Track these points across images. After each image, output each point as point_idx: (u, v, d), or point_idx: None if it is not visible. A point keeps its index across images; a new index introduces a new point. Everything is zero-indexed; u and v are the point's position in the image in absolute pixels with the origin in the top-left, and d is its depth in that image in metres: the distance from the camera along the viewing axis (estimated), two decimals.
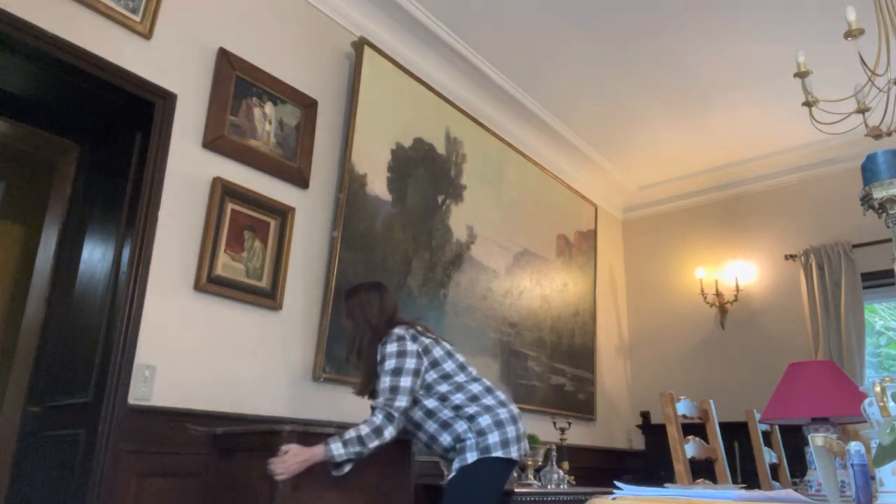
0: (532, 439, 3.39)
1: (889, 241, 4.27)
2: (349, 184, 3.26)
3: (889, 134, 2.68)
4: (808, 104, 2.70)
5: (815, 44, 3.66)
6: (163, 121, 2.61)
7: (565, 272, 5.02)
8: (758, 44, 3.94)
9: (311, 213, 3.15)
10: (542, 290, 4.72)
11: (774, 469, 3.02)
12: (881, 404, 1.24)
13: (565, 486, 3.57)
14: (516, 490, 3.03)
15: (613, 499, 1.47)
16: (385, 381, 2.27)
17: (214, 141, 2.77)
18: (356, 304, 2.52)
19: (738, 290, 5.22)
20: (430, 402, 2.36)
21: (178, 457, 2.43)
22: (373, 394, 2.42)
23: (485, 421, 2.30)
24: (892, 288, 4.65)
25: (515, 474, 3.46)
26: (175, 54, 2.72)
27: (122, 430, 2.30)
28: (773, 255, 5.22)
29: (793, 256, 5.06)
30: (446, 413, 2.34)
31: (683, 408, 2.52)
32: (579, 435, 4.73)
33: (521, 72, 4.31)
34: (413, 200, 3.68)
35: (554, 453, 3.65)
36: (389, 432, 2.21)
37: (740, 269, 5.27)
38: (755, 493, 1.47)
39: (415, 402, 2.34)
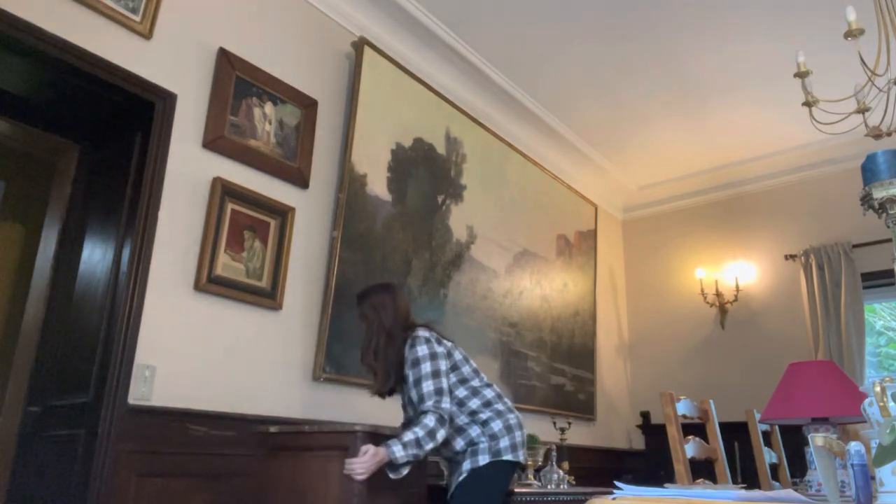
0: (532, 439, 3.40)
1: (889, 241, 4.27)
2: (349, 184, 3.26)
3: (889, 134, 2.68)
4: (808, 104, 2.70)
5: (815, 44, 3.66)
6: (163, 121, 2.61)
7: (565, 272, 5.02)
8: (758, 44, 3.94)
9: (311, 213, 3.15)
10: (542, 290, 4.72)
11: (774, 469, 3.02)
12: (881, 404, 1.24)
13: (565, 486, 3.57)
14: (516, 490, 3.03)
15: (613, 499, 1.47)
16: (428, 386, 2.31)
17: (214, 141, 2.77)
18: (369, 307, 2.54)
19: (738, 290, 5.22)
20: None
21: (178, 457, 2.43)
22: (390, 392, 2.49)
23: (497, 426, 2.39)
24: (892, 288, 4.65)
25: (516, 475, 3.47)
26: (175, 54, 2.72)
27: (122, 430, 2.30)
28: (773, 255, 5.22)
29: (793, 256, 5.06)
30: (462, 419, 2.41)
31: (683, 408, 2.52)
32: (579, 435, 4.73)
33: (521, 72, 4.31)
34: (413, 200, 3.68)
35: (554, 453, 3.65)
36: (441, 434, 2.26)
37: (740, 269, 5.27)
38: (755, 493, 1.47)
39: None
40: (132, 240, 2.49)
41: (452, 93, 4.14)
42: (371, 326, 2.51)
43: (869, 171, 1.51)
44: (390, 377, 2.44)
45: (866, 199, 1.51)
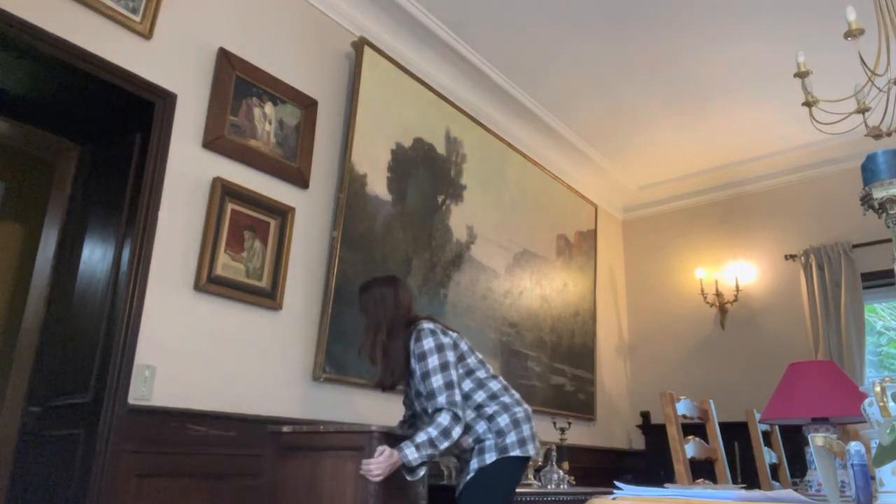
0: None
1: (889, 241, 4.27)
2: (349, 184, 3.26)
3: (889, 134, 2.68)
4: (808, 104, 2.70)
5: (814, 44, 3.66)
6: (163, 121, 2.61)
7: (565, 272, 5.02)
8: (758, 44, 3.94)
9: (311, 213, 3.15)
10: (542, 290, 4.72)
11: (774, 469, 3.02)
12: (881, 404, 1.24)
13: (565, 486, 3.57)
14: (516, 490, 3.03)
15: (613, 499, 1.47)
16: (438, 380, 2.27)
17: (214, 141, 2.77)
18: (370, 300, 2.51)
19: (738, 290, 5.22)
20: None
21: (178, 457, 2.43)
22: (392, 386, 2.44)
23: (503, 421, 2.33)
24: (892, 288, 4.65)
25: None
26: (175, 54, 2.72)
27: (122, 430, 2.30)
28: (773, 255, 5.22)
29: (793, 256, 5.06)
30: (468, 414, 2.35)
31: (683, 408, 2.52)
32: (579, 435, 4.73)
33: (521, 72, 4.31)
34: (413, 200, 3.68)
35: (554, 453, 3.65)
36: (457, 431, 2.22)
37: (740, 269, 5.27)
38: (755, 493, 1.47)
39: None
40: (132, 240, 2.49)
41: (452, 93, 4.14)
42: (371, 320, 2.47)
43: (869, 171, 1.51)
44: (393, 371, 2.40)
45: (866, 199, 1.51)
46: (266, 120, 3.01)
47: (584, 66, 4.23)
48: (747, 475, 4.17)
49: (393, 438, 2.25)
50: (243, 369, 2.75)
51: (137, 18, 2.58)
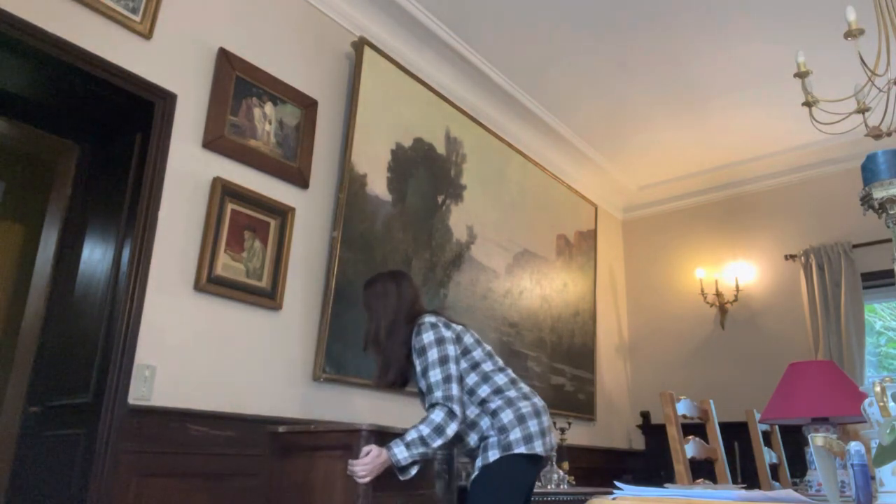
0: None
1: (889, 241, 4.27)
2: (349, 184, 3.26)
3: (889, 134, 2.67)
4: (808, 104, 2.70)
5: (814, 44, 3.66)
6: (163, 121, 2.61)
7: (565, 272, 5.02)
8: (758, 44, 3.94)
9: (311, 213, 3.15)
10: (542, 290, 4.72)
11: (774, 469, 3.02)
12: (881, 404, 1.24)
13: (565, 486, 3.57)
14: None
15: (613, 499, 1.47)
16: (436, 374, 2.18)
17: (214, 141, 2.77)
18: (372, 295, 2.46)
19: (738, 290, 5.22)
20: None
21: (178, 457, 2.43)
22: (392, 385, 2.39)
23: (506, 417, 2.21)
24: (892, 288, 4.65)
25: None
26: (175, 54, 2.72)
27: (122, 430, 2.30)
28: (773, 255, 5.22)
29: (793, 256, 5.06)
30: (472, 410, 2.25)
31: (683, 408, 2.52)
32: (579, 435, 4.73)
33: (521, 72, 4.31)
34: (413, 200, 3.68)
35: (554, 453, 3.65)
36: (452, 429, 2.13)
37: (740, 269, 5.27)
38: (755, 493, 1.47)
39: None
40: (132, 240, 2.49)
41: (452, 93, 4.15)
42: (373, 315, 2.43)
43: (869, 171, 1.51)
44: (391, 368, 2.35)
45: (866, 199, 1.51)
46: (266, 120, 3.01)
47: (584, 66, 4.23)
48: (747, 475, 4.17)
49: (383, 437, 2.22)
50: (243, 369, 2.75)
51: (137, 18, 2.58)
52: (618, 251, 5.99)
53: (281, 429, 2.45)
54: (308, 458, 2.32)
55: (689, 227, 5.71)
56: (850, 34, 2.51)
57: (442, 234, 3.85)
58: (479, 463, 2.23)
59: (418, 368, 2.26)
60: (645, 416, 5.52)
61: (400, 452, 2.09)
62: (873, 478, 1.25)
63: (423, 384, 2.25)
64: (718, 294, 5.28)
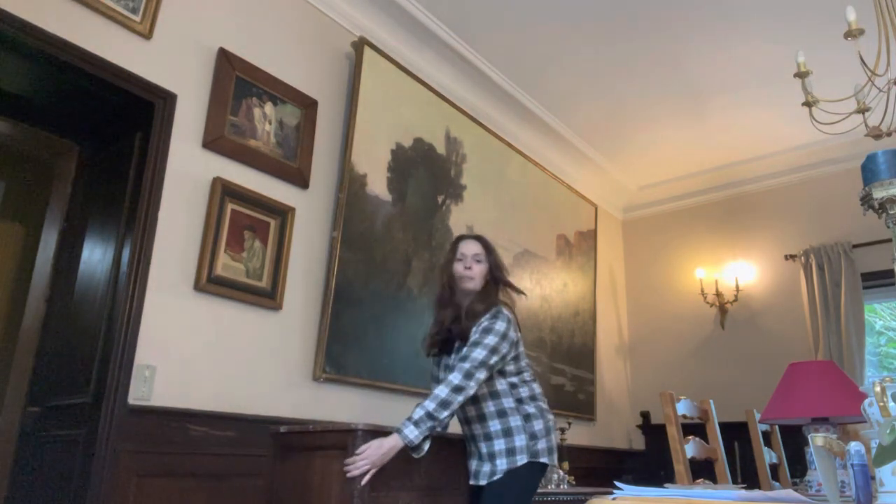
0: None
1: (889, 241, 4.27)
2: (349, 184, 3.26)
3: (889, 134, 2.68)
4: (808, 104, 2.70)
5: (814, 44, 3.65)
6: (163, 121, 2.61)
7: (565, 272, 5.02)
8: (758, 44, 3.94)
9: (311, 213, 3.15)
10: (542, 290, 4.72)
11: (774, 469, 3.02)
12: (881, 404, 1.24)
13: (565, 486, 3.57)
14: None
15: (613, 499, 1.47)
16: (480, 353, 2.26)
17: (214, 141, 2.77)
18: (491, 246, 2.59)
19: (738, 290, 5.22)
20: (500, 385, 2.38)
21: (178, 457, 2.43)
22: (431, 348, 2.52)
23: (538, 425, 2.36)
24: (892, 288, 4.65)
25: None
26: (175, 54, 2.72)
27: (122, 430, 2.30)
28: (773, 255, 5.22)
29: (793, 256, 5.06)
30: (509, 402, 2.37)
31: (683, 408, 2.52)
32: (579, 435, 4.73)
33: (521, 72, 4.31)
34: (413, 200, 3.68)
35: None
36: (458, 401, 2.20)
37: (740, 269, 5.27)
38: (755, 493, 1.47)
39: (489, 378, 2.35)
40: (132, 240, 2.49)
41: (452, 93, 4.14)
42: (492, 257, 2.55)
43: (869, 171, 1.51)
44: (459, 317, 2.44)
45: (866, 199, 1.51)
46: (266, 120, 3.01)
47: (584, 66, 4.23)
48: (747, 475, 4.17)
49: (379, 436, 2.22)
50: (243, 369, 2.75)
51: (137, 18, 2.58)
52: (618, 251, 5.99)
53: (282, 429, 2.45)
54: (307, 458, 2.33)
55: (689, 227, 5.71)
56: (850, 34, 2.51)
57: (442, 234, 3.85)
58: (503, 465, 2.29)
59: (472, 339, 2.33)
60: (645, 416, 5.52)
61: (411, 432, 2.15)
62: (873, 478, 1.25)
63: (465, 350, 2.31)
64: (718, 294, 5.28)
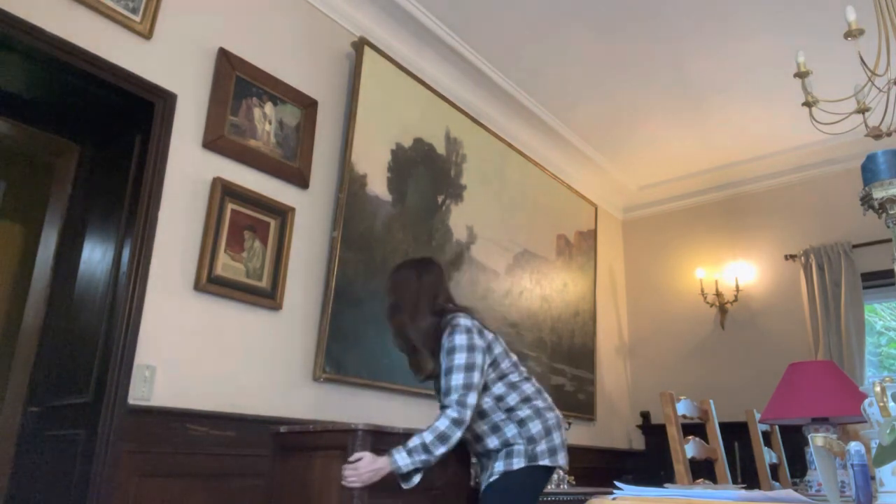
0: None
1: (889, 241, 4.27)
2: (349, 184, 3.26)
3: (889, 134, 2.67)
4: (808, 104, 2.70)
5: (815, 44, 3.66)
6: (163, 121, 2.61)
7: (565, 272, 5.02)
8: (758, 44, 3.94)
9: (311, 213, 3.15)
10: (542, 290, 4.72)
11: (774, 469, 3.02)
12: (881, 404, 1.24)
13: (565, 486, 3.57)
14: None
15: (613, 499, 1.47)
16: (458, 378, 2.13)
17: (214, 141, 2.77)
18: (392, 284, 2.41)
19: (738, 290, 5.22)
20: (486, 403, 2.25)
21: (178, 457, 2.43)
22: (430, 377, 2.36)
23: (535, 427, 2.23)
24: (892, 288, 4.65)
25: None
26: (175, 54, 2.72)
27: (122, 430, 2.30)
28: (773, 255, 5.22)
29: (793, 256, 5.06)
30: (499, 416, 2.25)
31: (683, 408, 2.52)
32: (579, 435, 4.74)
33: (521, 72, 4.31)
34: (413, 200, 3.68)
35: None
36: (457, 436, 2.09)
37: (740, 270, 5.27)
38: (755, 493, 1.47)
39: None
40: (132, 240, 2.49)
41: (452, 93, 4.15)
42: (394, 304, 2.37)
43: (869, 171, 1.51)
44: (415, 356, 2.33)
45: (866, 199, 1.51)
46: (266, 120, 3.01)
47: (584, 66, 4.23)
48: (747, 475, 4.17)
49: (380, 437, 2.21)
50: (243, 369, 2.75)
51: (137, 18, 2.58)
52: (618, 251, 5.99)
53: (282, 429, 2.45)
54: (307, 459, 2.32)
55: (689, 227, 5.71)
56: (850, 34, 2.51)
57: (442, 234, 3.85)
58: (499, 467, 2.22)
59: (443, 367, 2.21)
60: (645, 416, 5.52)
61: (401, 459, 2.05)
62: (873, 478, 1.25)
63: (443, 384, 2.21)
64: (718, 294, 5.28)
